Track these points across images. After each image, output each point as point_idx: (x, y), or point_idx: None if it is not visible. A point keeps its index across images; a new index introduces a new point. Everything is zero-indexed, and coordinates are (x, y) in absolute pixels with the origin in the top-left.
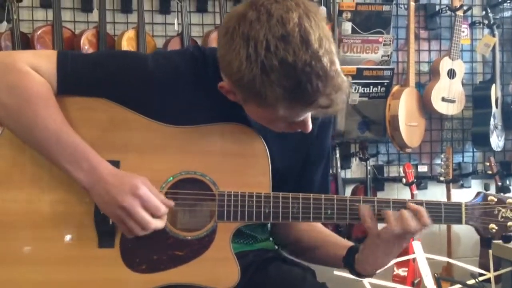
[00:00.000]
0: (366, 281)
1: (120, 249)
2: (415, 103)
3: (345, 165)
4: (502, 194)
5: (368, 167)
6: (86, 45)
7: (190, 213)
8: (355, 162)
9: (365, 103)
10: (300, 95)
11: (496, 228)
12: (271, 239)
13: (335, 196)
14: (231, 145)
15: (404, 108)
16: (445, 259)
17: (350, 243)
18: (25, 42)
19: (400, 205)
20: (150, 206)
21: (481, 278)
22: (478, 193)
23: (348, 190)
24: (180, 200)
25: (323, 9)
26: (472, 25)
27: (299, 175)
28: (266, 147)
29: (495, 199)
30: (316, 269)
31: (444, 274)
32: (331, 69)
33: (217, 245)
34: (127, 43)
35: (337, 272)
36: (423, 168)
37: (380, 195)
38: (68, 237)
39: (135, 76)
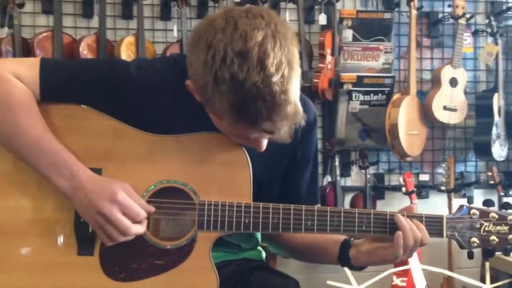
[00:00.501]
0: None
1: (99, 257)
2: (416, 112)
3: (345, 173)
4: (486, 207)
5: (368, 176)
6: (86, 51)
7: (171, 222)
8: (355, 170)
9: (366, 111)
10: (243, 114)
11: (478, 242)
12: (259, 248)
13: (315, 207)
14: (213, 154)
15: (405, 116)
16: (440, 270)
17: (341, 238)
18: (26, 48)
19: (381, 216)
20: (130, 212)
21: None
22: (461, 206)
23: (348, 198)
24: (161, 209)
25: (291, 32)
26: (475, 33)
27: (286, 179)
28: (248, 157)
29: (478, 213)
30: (310, 278)
31: (445, 286)
32: (281, 97)
33: (196, 254)
34: (126, 49)
35: (330, 282)
36: (424, 177)
37: (380, 203)
38: (47, 244)
39: (117, 84)
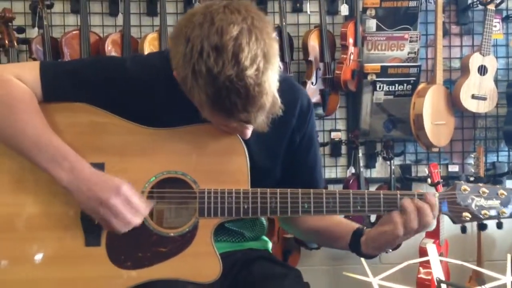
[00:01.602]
0: (375, 282)
1: (106, 247)
2: (443, 101)
3: (370, 164)
4: (477, 183)
5: (392, 167)
6: (111, 48)
7: (173, 210)
8: (379, 161)
9: (391, 102)
10: (219, 106)
11: (470, 216)
12: (264, 237)
13: (311, 190)
14: (210, 144)
15: (430, 106)
16: (459, 262)
17: (355, 226)
18: (55, 47)
19: (375, 196)
20: (133, 203)
21: (495, 283)
22: (453, 183)
23: (372, 190)
24: (163, 198)
25: (270, 24)
26: (506, 19)
27: (287, 165)
28: (244, 145)
29: (469, 189)
30: (334, 269)
31: (474, 278)
32: (255, 89)
33: (199, 240)
34: (149, 44)
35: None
36: (454, 168)
37: None
38: (55, 237)
39: (114, 79)
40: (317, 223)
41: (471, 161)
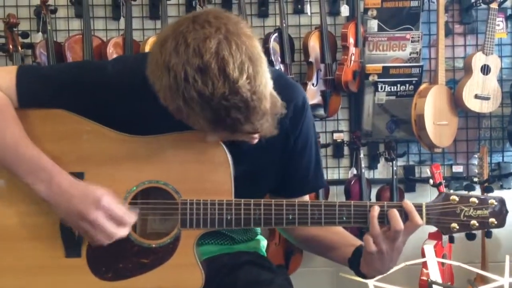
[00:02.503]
0: (371, 284)
1: (87, 258)
2: (445, 101)
3: (373, 165)
4: (467, 192)
5: (395, 168)
6: (113, 52)
7: (155, 221)
8: (382, 162)
9: (393, 102)
10: (221, 126)
11: (458, 227)
12: (259, 237)
13: (296, 201)
14: (193, 153)
15: (432, 106)
16: (454, 262)
17: (358, 243)
18: (59, 51)
19: (361, 208)
20: (115, 216)
21: (492, 285)
22: (440, 193)
23: (374, 191)
24: (144, 209)
25: (245, 24)
26: (509, 18)
27: (285, 166)
28: (228, 154)
29: (457, 199)
30: (340, 272)
31: (478, 280)
32: (253, 98)
33: (181, 251)
34: (149, 48)
35: (343, 274)
36: (458, 169)
37: (410, 196)
38: (36, 248)
39: (92, 85)
40: (313, 231)
41: (475, 161)
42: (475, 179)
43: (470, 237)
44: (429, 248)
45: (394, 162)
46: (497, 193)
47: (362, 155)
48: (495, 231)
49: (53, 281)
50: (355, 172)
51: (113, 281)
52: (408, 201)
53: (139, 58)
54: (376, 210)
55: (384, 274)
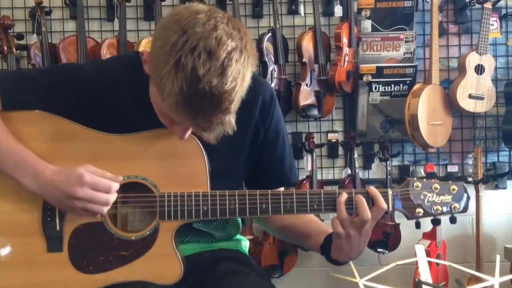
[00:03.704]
0: (361, 283)
1: (68, 252)
2: (439, 101)
3: (367, 165)
4: (429, 179)
5: (389, 168)
6: (106, 52)
7: (135, 214)
8: (376, 162)
9: (387, 102)
10: (187, 104)
11: (422, 212)
12: (238, 237)
13: (269, 191)
14: (169, 148)
15: (426, 106)
16: (444, 262)
17: (330, 230)
18: (53, 52)
19: (330, 195)
20: (101, 186)
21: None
22: (404, 180)
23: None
24: (124, 203)
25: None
26: (503, 17)
27: (257, 159)
28: (202, 148)
29: (420, 185)
30: (312, 270)
31: (473, 280)
32: (225, 103)
33: (160, 243)
34: (145, 48)
35: (333, 274)
36: (453, 168)
37: None
38: (18, 244)
39: (72, 84)
40: (287, 220)
41: (470, 161)
42: (470, 179)
43: (436, 222)
44: (420, 247)
45: (388, 162)
46: (492, 193)
47: (356, 155)
48: (489, 230)
49: (35, 275)
50: (349, 172)
51: (94, 274)
52: (373, 187)
53: (115, 59)
54: (343, 196)
55: (354, 259)
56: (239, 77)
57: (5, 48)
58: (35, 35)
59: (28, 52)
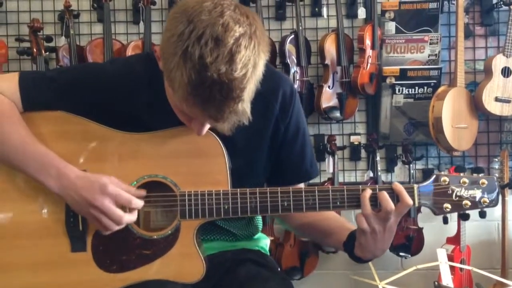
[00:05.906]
0: (381, 286)
1: (92, 252)
2: (464, 104)
3: (390, 168)
4: (457, 174)
5: (412, 171)
6: (131, 54)
7: (156, 213)
8: (399, 165)
9: (411, 105)
10: (197, 94)
11: (450, 207)
12: (259, 236)
13: (290, 188)
14: (189, 146)
15: (450, 109)
16: (467, 267)
17: (353, 227)
18: (81, 54)
19: (353, 192)
20: (121, 200)
21: None
22: (431, 175)
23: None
24: (145, 202)
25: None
26: None
27: (277, 154)
28: (222, 145)
29: (448, 179)
30: (356, 274)
31: (498, 286)
32: (237, 91)
33: (181, 242)
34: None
35: (352, 276)
36: None
37: None
38: (42, 245)
39: (92, 83)
40: (308, 218)
41: (496, 165)
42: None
43: (464, 217)
44: (442, 251)
45: (411, 165)
46: None
47: (378, 158)
48: None
49: (59, 276)
50: (371, 175)
51: (118, 273)
52: (398, 183)
53: (135, 58)
54: (368, 191)
55: (378, 257)
56: (250, 63)
57: (35, 50)
58: (63, 37)
59: (56, 54)
